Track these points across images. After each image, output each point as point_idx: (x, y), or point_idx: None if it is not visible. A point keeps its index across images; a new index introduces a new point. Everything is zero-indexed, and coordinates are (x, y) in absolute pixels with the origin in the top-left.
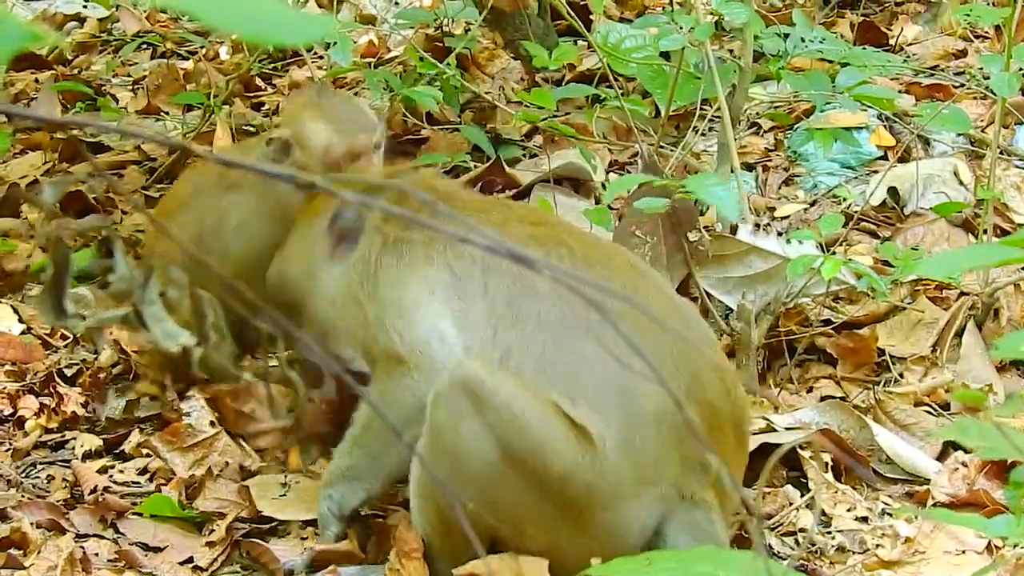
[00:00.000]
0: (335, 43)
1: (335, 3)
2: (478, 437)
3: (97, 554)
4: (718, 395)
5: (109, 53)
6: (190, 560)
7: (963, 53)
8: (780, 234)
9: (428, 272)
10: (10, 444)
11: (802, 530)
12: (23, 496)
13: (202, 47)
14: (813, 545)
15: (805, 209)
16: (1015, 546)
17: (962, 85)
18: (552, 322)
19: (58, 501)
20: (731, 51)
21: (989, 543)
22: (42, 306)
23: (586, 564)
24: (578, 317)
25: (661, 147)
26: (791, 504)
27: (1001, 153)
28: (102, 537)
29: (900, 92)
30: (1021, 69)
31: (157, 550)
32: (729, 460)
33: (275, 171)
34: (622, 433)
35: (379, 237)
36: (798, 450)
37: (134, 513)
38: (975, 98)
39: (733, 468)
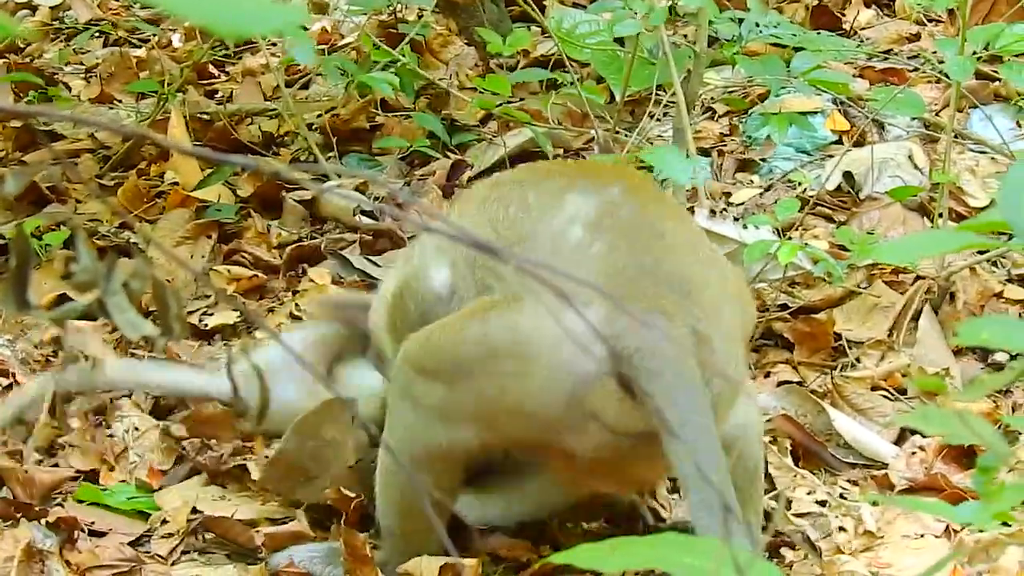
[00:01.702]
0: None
1: None
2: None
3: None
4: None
5: (61, 42)
6: (147, 550)
7: (917, 37)
8: (736, 219)
9: None
10: None
11: (766, 514)
12: None
13: (155, 35)
14: (780, 533)
15: (761, 194)
16: (978, 531)
17: (916, 69)
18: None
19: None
20: (685, 36)
21: (947, 527)
22: (5, 298)
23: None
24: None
25: (616, 132)
26: None
27: (956, 137)
28: (57, 527)
29: (854, 76)
30: (975, 53)
31: (101, 535)
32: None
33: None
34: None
35: None
36: None
37: (77, 500)
38: (929, 82)
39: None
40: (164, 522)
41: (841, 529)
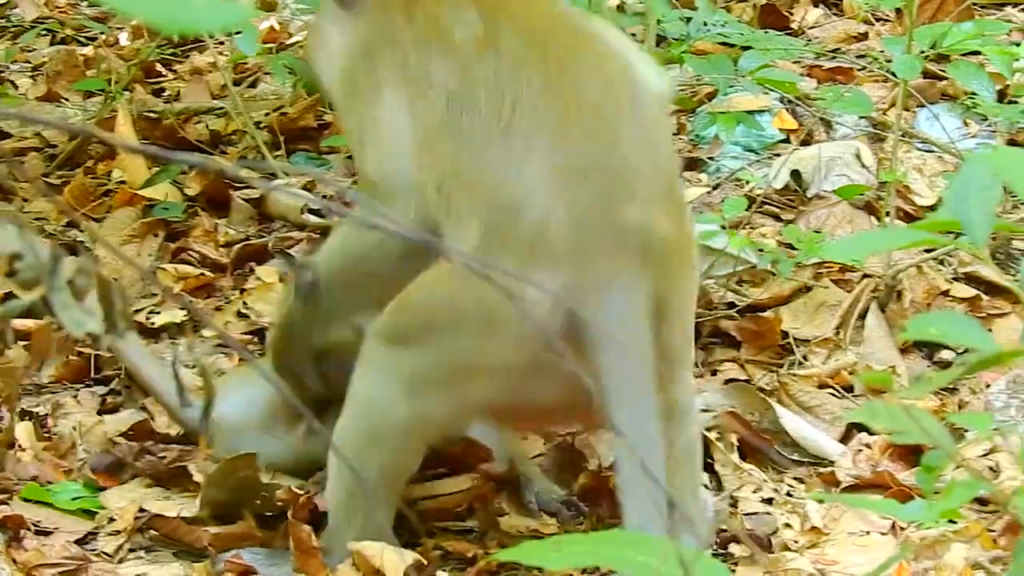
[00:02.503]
0: (239, 31)
1: None
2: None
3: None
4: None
5: (7, 40)
6: (93, 548)
7: (864, 36)
8: None
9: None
10: None
11: (716, 512)
12: None
13: (102, 33)
14: (726, 530)
15: (708, 192)
16: (924, 528)
17: (864, 68)
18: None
19: None
20: (634, 35)
21: (893, 524)
22: None
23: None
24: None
25: None
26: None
27: (903, 136)
28: (3, 526)
29: (802, 75)
30: (922, 52)
31: (47, 533)
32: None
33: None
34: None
35: None
36: (704, 433)
37: (23, 499)
38: (877, 81)
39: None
40: (111, 520)
41: (787, 526)
